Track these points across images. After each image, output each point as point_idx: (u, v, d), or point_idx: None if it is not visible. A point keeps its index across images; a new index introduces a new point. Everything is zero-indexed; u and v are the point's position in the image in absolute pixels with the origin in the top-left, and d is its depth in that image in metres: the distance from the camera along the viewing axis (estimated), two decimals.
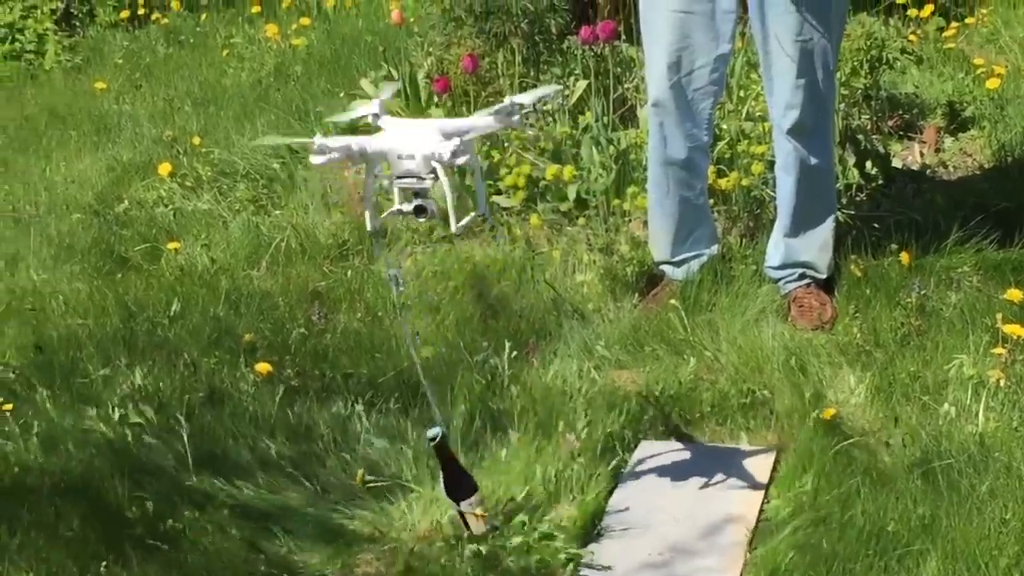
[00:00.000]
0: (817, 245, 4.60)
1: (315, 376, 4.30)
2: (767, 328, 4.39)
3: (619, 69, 5.87)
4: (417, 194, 3.15)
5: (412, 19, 7.21)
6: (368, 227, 3.20)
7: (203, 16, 8.74)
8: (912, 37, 6.34)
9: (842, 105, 5.44)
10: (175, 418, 3.99)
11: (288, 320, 4.67)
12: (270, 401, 4.14)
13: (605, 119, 5.40)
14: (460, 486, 3.42)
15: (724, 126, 5.45)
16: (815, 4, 4.27)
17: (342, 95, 6.28)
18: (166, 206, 5.72)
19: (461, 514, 3.45)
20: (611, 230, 5.04)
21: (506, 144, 5.45)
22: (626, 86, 5.84)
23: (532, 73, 5.93)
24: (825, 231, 4.60)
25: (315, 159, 3.06)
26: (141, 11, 8.85)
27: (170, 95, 7.21)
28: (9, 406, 4.05)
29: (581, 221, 5.10)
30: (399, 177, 3.14)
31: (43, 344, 4.53)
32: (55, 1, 8.67)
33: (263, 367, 4.26)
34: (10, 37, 8.18)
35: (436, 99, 5.69)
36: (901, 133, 5.80)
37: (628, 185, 5.14)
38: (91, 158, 6.43)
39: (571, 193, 5.15)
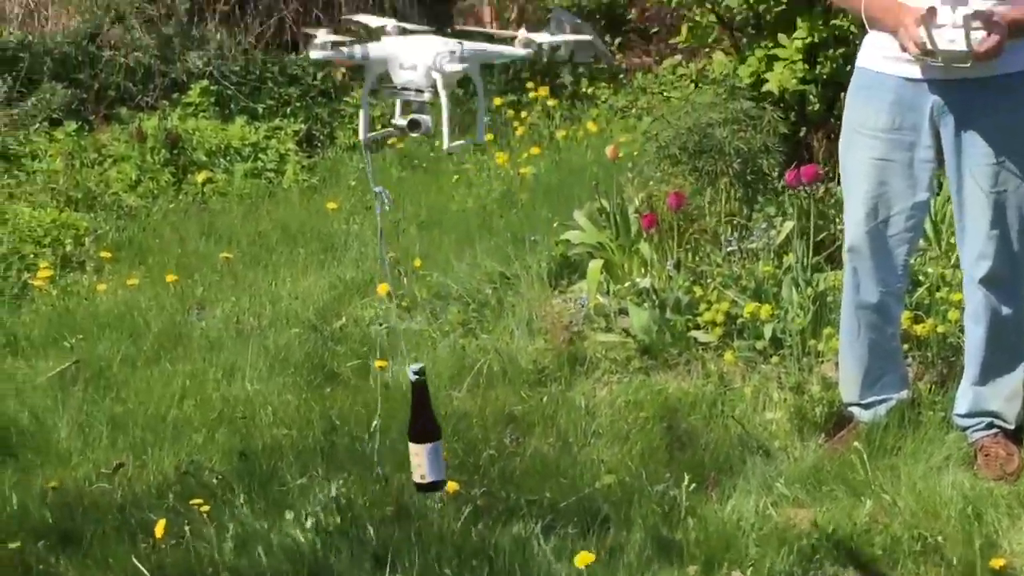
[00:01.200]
0: (1005, 395, 4.61)
1: (500, 497, 4.43)
2: (948, 475, 4.41)
3: (833, 211, 5.94)
4: (414, 108, 2.99)
5: (635, 153, 7.39)
6: (360, 137, 3.11)
7: (438, 142, 9.05)
8: None
9: None
10: (363, 529, 4.18)
11: (481, 441, 4.82)
12: (455, 519, 4.29)
13: (807, 260, 5.48)
14: (423, 430, 3.32)
15: (929, 270, 5.49)
16: (1014, 155, 4.32)
17: (556, 224, 6.47)
18: (380, 324, 5.95)
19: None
20: (804, 370, 5.11)
21: (708, 280, 5.56)
22: (838, 227, 5.91)
23: (744, 211, 6.04)
24: (1014, 381, 4.61)
25: (314, 53, 2.96)
26: None
27: (397, 217, 7.49)
28: (206, 507, 4.26)
29: (775, 360, 5.18)
30: (400, 88, 2.99)
31: (248, 451, 4.76)
32: (298, 123, 9.09)
33: (451, 485, 4.40)
34: (254, 156, 8.58)
35: (644, 234, 5.83)
36: None
37: (825, 326, 5.21)
38: (316, 275, 6.71)
39: (767, 331, 5.23)
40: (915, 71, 4.33)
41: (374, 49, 3.01)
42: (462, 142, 3.09)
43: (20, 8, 9.95)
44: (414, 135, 3.01)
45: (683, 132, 6.16)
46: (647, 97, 9.54)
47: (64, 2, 9.84)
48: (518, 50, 3.07)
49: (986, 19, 4.05)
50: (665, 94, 9.28)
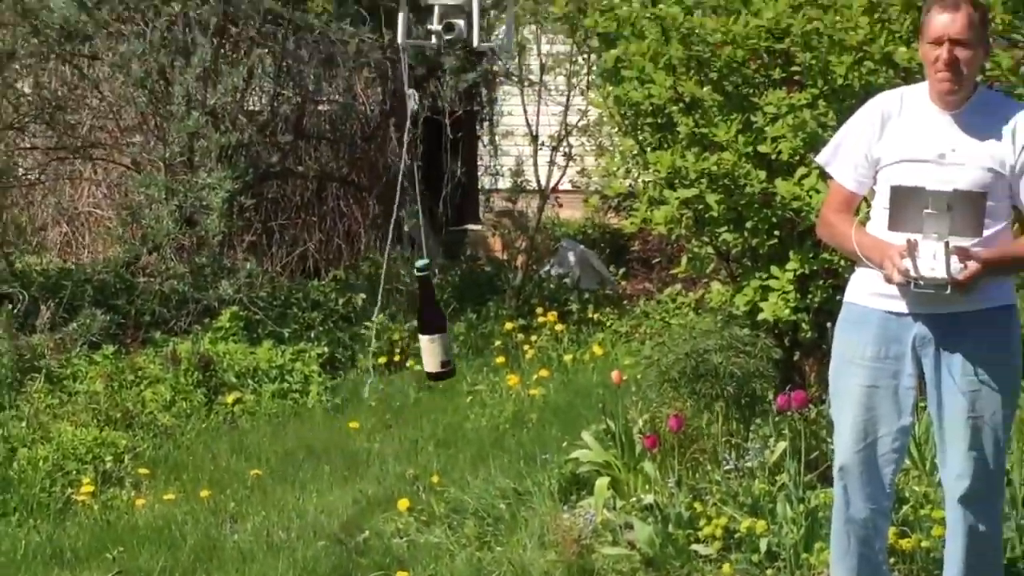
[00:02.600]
0: None
1: None
2: None
3: (824, 431, 6.33)
4: (449, 13, 3.30)
5: (639, 376, 7.81)
6: (399, 40, 3.39)
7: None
8: None
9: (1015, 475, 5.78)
10: None
11: None
12: None
13: (799, 478, 5.86)
14: (432, 322, 3.56)
15: (916, 488, 5.87)
16: (989, 384, 4.69)
17: (565, 443, 6.88)
18: (401, 538, 6.30)
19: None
20: None
21: (707, 497, 5.96)
22: (829, 447, 6.29)
23: (741, 431, 6.45)
24: None
25: None
26: (397, 357, 9.68)
27: (416, 436, 7.92)
28: None
29: (770, 572, 5.53)
30: None
31: None
32: (321, 346, 9.58)
33: None
34: (280, 377, 9.04)
35: (647, 453, 6.24)
36: None
37: (817, 540, 5.57)
38: (340, 491, 7.09)
39: (763, 545, 5.60)
40: (899, 305, 4.73)
41: None
42: (492, 44, 3.44)
43: (59, 237, 10.51)
44: (448, 38, 3.36)
45: (682, 357, 6.58)
46: (649, 322, 10.00)
47: (102, 233, 10.38)
48: None
49: (963, 253, 4.49)
50: (666, 320, 9.75)
